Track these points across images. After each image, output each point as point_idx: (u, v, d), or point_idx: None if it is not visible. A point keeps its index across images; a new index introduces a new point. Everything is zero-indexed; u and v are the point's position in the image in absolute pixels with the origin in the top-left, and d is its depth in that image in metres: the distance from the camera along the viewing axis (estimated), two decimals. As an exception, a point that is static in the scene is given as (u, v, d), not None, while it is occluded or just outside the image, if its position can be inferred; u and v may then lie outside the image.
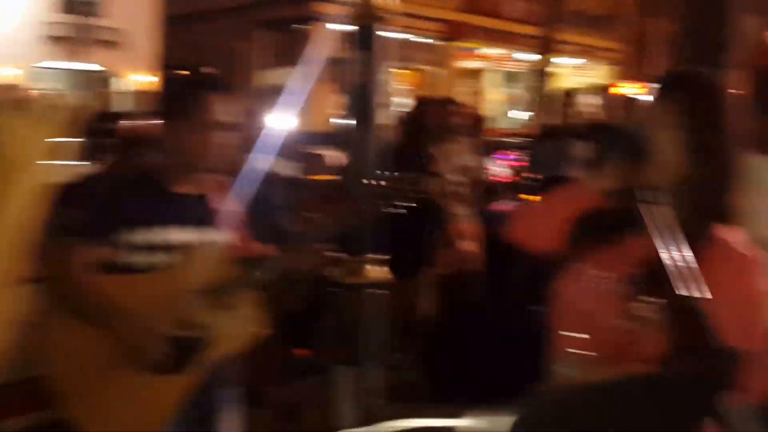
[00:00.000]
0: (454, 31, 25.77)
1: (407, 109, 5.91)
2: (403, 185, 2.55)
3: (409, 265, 5.85)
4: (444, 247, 6.22)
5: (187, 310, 2.43)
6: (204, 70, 2.62)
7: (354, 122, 3.27)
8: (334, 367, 3.40)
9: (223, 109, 2.48)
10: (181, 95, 2.51)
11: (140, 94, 16.55)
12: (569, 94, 6.93)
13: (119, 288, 2.43)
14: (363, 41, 3.22)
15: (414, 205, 5.64)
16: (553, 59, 21.92)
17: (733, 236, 1.83)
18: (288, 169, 5.04)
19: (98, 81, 16.98)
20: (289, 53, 18.93)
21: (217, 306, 2.46)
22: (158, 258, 2.47)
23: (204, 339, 2.44)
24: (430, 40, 25.88)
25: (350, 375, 3.35)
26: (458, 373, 4.85)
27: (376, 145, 3.26)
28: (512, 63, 29.10)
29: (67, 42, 15.46)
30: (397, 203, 2.62)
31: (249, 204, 4.72)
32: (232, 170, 2.72)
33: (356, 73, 3.23)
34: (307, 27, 21.30)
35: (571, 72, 29.97)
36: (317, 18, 21.14)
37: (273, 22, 19.27)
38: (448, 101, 6.46)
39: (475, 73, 28.96)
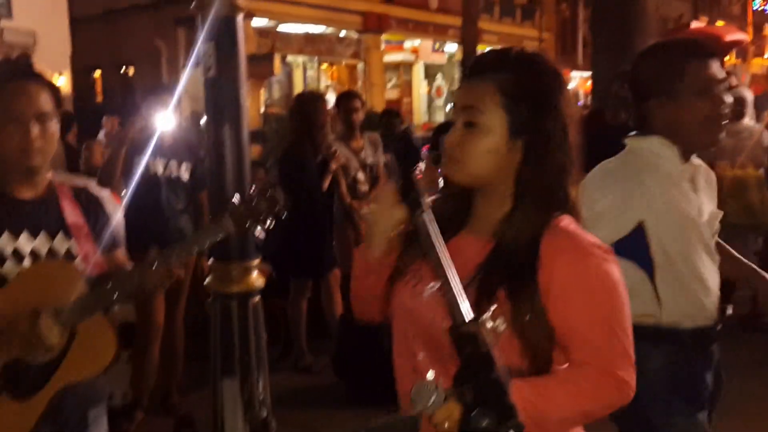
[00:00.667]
0: (376, 24, 25.68)
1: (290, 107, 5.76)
2: (259, 203, 2.35)
3: (317, 266, 5.74)
4: (352, 247, 6.11)
5: (35, 329, 2.26)
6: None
7: (210, 123, 3.10)
8: (220, 377, 3.24)
9: (24, 99, 2.30)
10: None
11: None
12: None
13: None
14: (219, 33, 3.04)
15: (321, 204, 5.61)
16: (479, 49, 21.98)
17: (575, 225, 1.69)
18: (180, 171, 4.82)
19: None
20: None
21: (69, 325, 2.28)
22: (6, 269, 2.31)
23: (56, 361, 2.28)
24: (355, 34, 25.79)
25: (234, 385, 3.19)
26: (370, 375, 4.72)
27: (238, 148, 3.09)
28: (439, 55, 29.18)
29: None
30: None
31: (135, 208, 4.55)
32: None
33: (212, 69, 3.05)
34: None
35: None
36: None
37: (192, 18, 18.91)
38: (351, 95, 6.33)
39: (404, 66, 28.98)
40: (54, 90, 2.41)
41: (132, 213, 4.66)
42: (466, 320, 1.22)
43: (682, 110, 2.41)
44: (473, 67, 1.74)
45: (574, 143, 1.71)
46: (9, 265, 2.32)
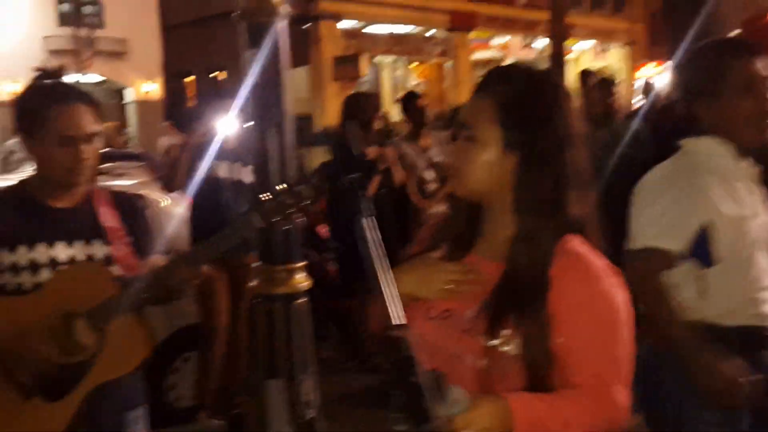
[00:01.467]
0: (464, 22, 25.62)
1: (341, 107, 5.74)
2: (286, 198, 2.37)
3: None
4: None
5: (69, 331, 2.33)
6: (54, 80, 2.50)
7: (254, 129, 3.14)
8: (265, 378, 3.28)
9: (74, 121, 2.37)
10: (31, 109, 2.40)
11: (144, 103, 16.65)
12: (586, 74, 6.61)
13: None
14: (257, 38, 3.08)
15: (385, 203, 5.61)
16: (568, 44, 21.68)
17: (584, 246, 1.70)
18: (243, 174, 4.91)
19: (104, 92, 17.06)
20: (293, 53, 18.91)
21: (102, 326, 2.35)
22: (36, 277, 2.40)
23: (88, 362, 2.35)
24: (442, 33, 25.78)
25: (279, 387, 3.23)
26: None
27: (282, 151, 3.13)
28: (528, 51, 28.85)
29: (70, 54, 15.53)
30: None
31: (198, 210, 4.65)
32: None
33: (254, 76, 3.09)
34: (310, 26, 21.29)
35: (588, 55, 29.77)
36: (318, 17, 21.09)
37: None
38: (415, 95, 6.34)
39: (493, 63, 28.77)
40: (98, 108, 2.49)
41: (195, 215, 4.78)
42: (395, 324, 1.25)
43: (726, 109, 2.42)
44: (478, 84, 1.79)
45: (575, 160, 1.71)
46: (45, 273, 2.40)
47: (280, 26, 3.23)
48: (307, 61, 21.81)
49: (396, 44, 24.92)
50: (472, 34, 26.52)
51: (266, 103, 3.20)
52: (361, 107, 5.55)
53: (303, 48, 21.27)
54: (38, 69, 2.51)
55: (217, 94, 5.02)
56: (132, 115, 18.36)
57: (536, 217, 1.68)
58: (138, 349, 2.44)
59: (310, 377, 3.26)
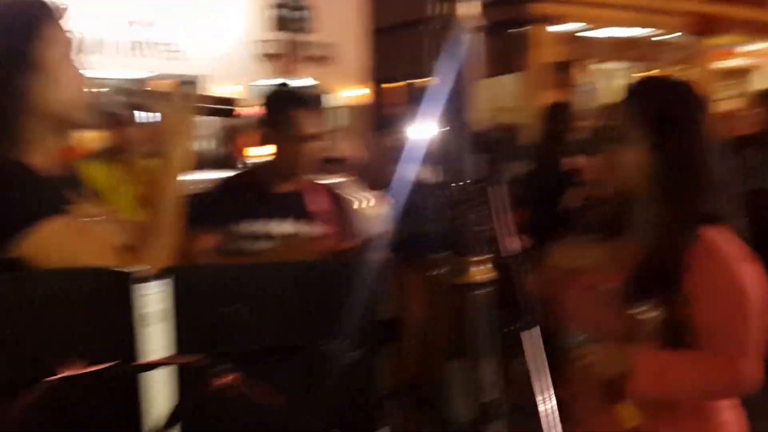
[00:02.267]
0: (704, 26, 25.05)
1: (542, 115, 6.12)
2: (465, 194, 2.96)
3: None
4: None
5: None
6: (293, 88, 3.27)
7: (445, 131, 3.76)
8: (448, 362, 3.87)
9: (308, 123, 3.13)
10: (274, 111, 3.19)
11: (352, 108, 17.66)
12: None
13: None
14: (454, 44, 3.68)
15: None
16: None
17: (719, 235, 2.21)
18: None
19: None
20: (506, 59, 19.47)
21: None
22: (260, 245, 3.15)
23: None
24: (679, 38, 25.34)
25: (462, 369, 3.81)
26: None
27: (467, 153, 3.71)
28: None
29: (280, 59, 16.83)
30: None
31: (397, 212, 5.31)
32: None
33: (449, 79, 3.70)
34: (523, 31, 21.69)
35: None
36: (533, 21, 21.46)
37: (487, 27, 19.70)
38: (607, 108, 6.68)
39: (739, 73, 27.82)
40: (323, 112, 3.25)
41: (400, 219, 5.44)
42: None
43: None
44: (628, 91, 2.35)
45: (711, 162, 2.24)
46: (263, 243, 3.16)
47: (478, 33, 3.84)
48: (520, 68, 22.22)
49: (620, 50, 24.74)
50: (714, 40, 25.88)
51: (457, 109, 3.81)
52: (557, 117, 5.95)
53: (514, 54, 21.70)
54: (281, 81, 3.32)
55: (417, 100, 5.66)
56: (338, 119, 19.51)
57: (675, 209, 2.20)
58: None
59: (493, 361, 3.82)
